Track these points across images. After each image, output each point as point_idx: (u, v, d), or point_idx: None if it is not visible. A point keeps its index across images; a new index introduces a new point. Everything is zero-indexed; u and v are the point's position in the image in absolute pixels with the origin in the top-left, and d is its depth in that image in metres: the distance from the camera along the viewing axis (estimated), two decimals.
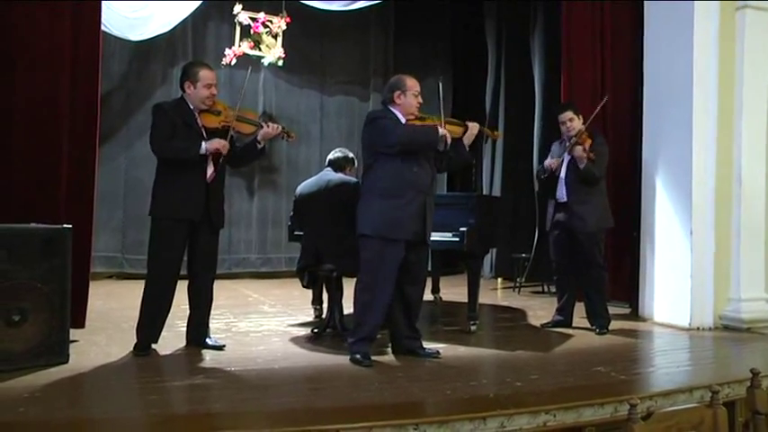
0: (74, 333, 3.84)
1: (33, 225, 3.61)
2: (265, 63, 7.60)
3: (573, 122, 4.84)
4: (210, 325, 4.16)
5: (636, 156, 5.59)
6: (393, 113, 3.85)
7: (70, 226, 3.63)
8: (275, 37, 7.54)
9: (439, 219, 4.09)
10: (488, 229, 4.73)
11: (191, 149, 3.82)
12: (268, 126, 4.00)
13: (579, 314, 4.99)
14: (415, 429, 2.69)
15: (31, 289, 3.42)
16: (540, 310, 5.78)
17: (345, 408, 2.92)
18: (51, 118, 4.14)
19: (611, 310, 5.05)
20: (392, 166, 3.74)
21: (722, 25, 5.10)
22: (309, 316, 5.24)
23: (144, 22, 6.99)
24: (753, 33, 5.10)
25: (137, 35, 7.04)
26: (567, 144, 4.80)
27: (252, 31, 7.47)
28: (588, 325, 4.89)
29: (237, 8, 7.44)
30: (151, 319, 3.89)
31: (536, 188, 6.03)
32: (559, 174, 4.85)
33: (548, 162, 4.92)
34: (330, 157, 4.77)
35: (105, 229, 7.28)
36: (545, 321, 5.07)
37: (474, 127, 3.99)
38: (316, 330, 4.54)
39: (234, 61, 7.45)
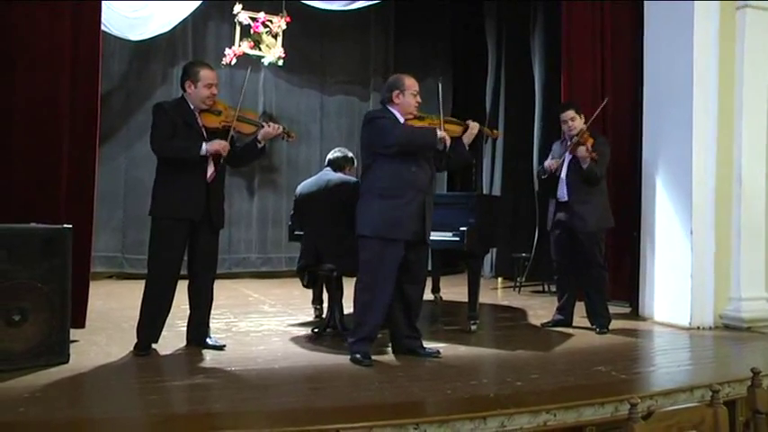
0: (74, 333, 3.84)
1: (33, 225, 3.61)
2: (265, 63, 7.59)
3: (574, 121, 4.83)
4: (211, 325, 4.16)
5: (636, 156, 5.59)
6: (392, 113, 3.85)
7: (70, 226, 3.63)
8: (275, 37, 7.54)
9: (439, 218, 4.08)
10: (488, 228, 4.73)
11: (191, 149, 3.81)
12: (268, 126, 4.00)
13: (579, 313, 4.99)
14: (416, 429, 2.68)
15: (31, 289, 3.42)
16: (541, 309, 5.78)
17: (345, 407, 2.92)
18: (51, 118, 4.14)
19: (612, 309, 5.05)
20: (391, 166, 3.73)
21: (722, 25, 5.10)
22: (309, 316, 5.24)
23: (144, 22, 6.98)
24: (753, 33, 5.10)
25: (137, 35, 7.03)
26: (568, 143, 4.79)
27: (252, 31, 7.46)
28: (588, 324, 4.89)
29: (237, 8, 7.43)
30: (151, 319, 3.89)
31: (536, 188, 6.03)
32: (560, 173, 4.85)
33: (547, 163, 4.91)
34: (330, 156, 4.77)
35: (105, 229, 7.26)
36: (545, 321, 5.07)
37: (474, 126, 3.97)
38: (316, 330, 4.54)
39: (234, 61, 7.44)
